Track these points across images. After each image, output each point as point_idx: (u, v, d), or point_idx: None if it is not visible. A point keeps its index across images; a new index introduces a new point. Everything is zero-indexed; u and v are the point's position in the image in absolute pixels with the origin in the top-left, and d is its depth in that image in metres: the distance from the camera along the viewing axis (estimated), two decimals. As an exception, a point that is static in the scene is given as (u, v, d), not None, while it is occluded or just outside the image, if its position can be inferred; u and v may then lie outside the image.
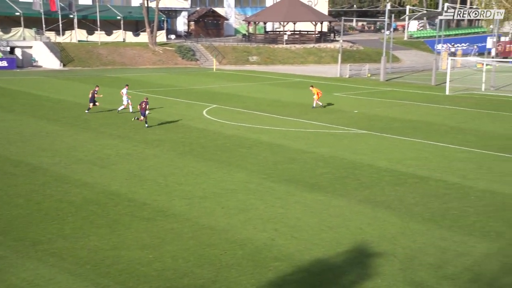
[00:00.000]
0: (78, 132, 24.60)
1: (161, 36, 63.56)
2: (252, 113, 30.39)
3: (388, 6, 53.65)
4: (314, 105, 31.70)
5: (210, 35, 70.36)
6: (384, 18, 52.30)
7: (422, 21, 79.58)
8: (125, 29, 62.52)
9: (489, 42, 52.10)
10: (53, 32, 57.88)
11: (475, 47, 61.09)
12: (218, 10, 74.41)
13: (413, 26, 77.87)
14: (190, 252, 12.34)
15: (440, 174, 18.16)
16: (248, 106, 32.59)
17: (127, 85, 30.47)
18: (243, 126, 26.58)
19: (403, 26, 78.75)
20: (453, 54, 58.23)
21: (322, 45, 65.07)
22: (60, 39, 57.99)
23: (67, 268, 11.49)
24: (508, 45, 52.78)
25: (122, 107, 29.25)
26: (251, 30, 70.46)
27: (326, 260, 12.04)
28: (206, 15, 72.93)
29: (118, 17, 62.23)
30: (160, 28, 64.12)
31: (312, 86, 32.56)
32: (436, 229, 13.54)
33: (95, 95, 29.07)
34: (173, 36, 68.55)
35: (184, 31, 72.12)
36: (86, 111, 29.07)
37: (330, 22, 72.44)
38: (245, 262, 11.90)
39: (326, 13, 77.15)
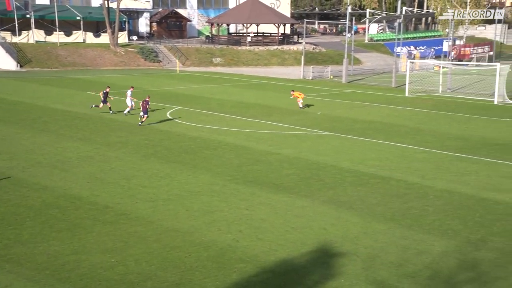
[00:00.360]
0: (37, 134, 23.98)
1: (123, 37, 62.67)
2: (216, 114, 30.34)
3: (349, 9, 54.47)
4: (301, 106, 32.30)
5: (173, 37, 69.85)
6: (346, 21, 53.13)
7: (382, 24, 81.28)
8: (85, 30, 61.33)
9: (445, 45, 53.67)
10: (9, 32, 56.25)
11: (432, 50, 62.77)
12: (181, 11, 73.97)
13: (373, 29, 79.42)
14: (154, 255, 12.23)
15: (401, 174, 18.58)
16: (212, 108, 32.52)
17: (132, 87, 30.42)
18: (207, 127, 26.50)
19: (364, 29, 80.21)
20: (413, 56, 59.67)
21: (285, 47, 65.56)
22: (16, 39, 56.39)
23: (25, 274, 11.19)
24: (462, 48, 54.43)
25: (128, 109, 29.09)
26: (214, 32, 70.34)
27: (290, 260, 12.14)
28: (168, 17, 72.37)
29: (78, 18, 61.00)
30: (121, 29, 63.21)
31: (293, 91, 33.22)
32: (397, 228, 13.85)
33: (107, 96, 29.05)
34: (135, 37, 67.71)
35: (147, 32, 71.34)
36: (93, 106, 29.11)
37: (292, 24, 73.06)
38: (209, 264, 11.88)
39: (288, 15, 77.80)
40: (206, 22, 75.15)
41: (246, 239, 13.24)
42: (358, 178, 18.12)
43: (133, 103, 29.05)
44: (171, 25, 72.64)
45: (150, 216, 14.58)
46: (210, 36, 70.11)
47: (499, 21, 63.71)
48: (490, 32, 70.98)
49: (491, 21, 73.94)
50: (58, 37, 58.40)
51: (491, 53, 56.19)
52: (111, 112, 29.15)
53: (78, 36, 60.77)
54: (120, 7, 60.62)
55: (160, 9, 73.59)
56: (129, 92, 29.30)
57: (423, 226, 13.97)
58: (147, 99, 26.35)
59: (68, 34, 60.15)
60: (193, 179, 17.94)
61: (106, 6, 59.19)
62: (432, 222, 14.23)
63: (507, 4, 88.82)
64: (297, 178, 18.24)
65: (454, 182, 17.61)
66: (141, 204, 15.48)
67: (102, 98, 29.12)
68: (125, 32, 63.79)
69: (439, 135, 24.95)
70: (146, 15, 72.43)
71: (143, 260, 11.95)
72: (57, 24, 58.12)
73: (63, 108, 29.33)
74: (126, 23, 66.51)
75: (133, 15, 71.29)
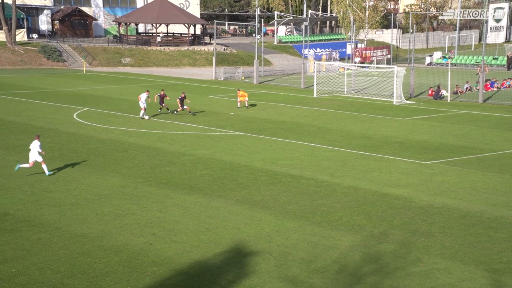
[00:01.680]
0: None
1: (21, 35, 59.19)
2: (127, 116, 29.58)
3: (258, 11, 55.39)
4: (247, 105, 33.04)
5: (78, 36, 67.07)
6: (255, 23, 53.96)
7: (290, 26, 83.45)
8: (-23, 26, 57.22)
9: (349, 48, 56.22)
10: None
11: (337, 52, 65.52)
12: (85, 9, 71.22)
13: (281, 31, 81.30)
14: (61, 262, 11.73)
15: (311, 172, 19.23)
16: (123, 109, 31.65)
17: (147, 90, 29.92)
18: (117, 129, 25.77)
19: (273, 31, 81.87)
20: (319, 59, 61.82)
21: (196, 47, 65.31)
22: None
23: None
24: (364, 51, 57.31)
25: (142, 111, 28.48)
26: (122, 31, 68.42)
27: (204, 261, 12.16)
28: (72, 15, 69.40)
29: (-31, 13, 56.75)
30: (19, 26, 59.67)
31: (239, 90, 33.71)
32: (308, 225, 14.33)
33: (164, 97, 30.04)
34: (35, 36, 64.18)
35: (48, 31, 67.81)
36: (175, 112, 30.13)
37: (203, 25, 72.93)
38: (121, 269, 11.60)
39: (198, 16, 77.53)
40: (113, 21, 72.95)
41: (160, 241, 13.07)
42: (270, 178, 18.50)
43: (145, 105, 28.63)
44: (75, 23, 69.73)
45: (56, 222, 13.94)
46: (118, 35, 68.14)
47: (395, 26, 67.85)
48: (387, 36, 75.35)
49: (387, 26, 78.61)
50: None
51: (389, 56, 59.70)
52: (175, 112, 30.12)
53: (-32, 32, 56.64)
54: (17, 2, 57.15)
55: (62, 7, 70.35)
56: (143, 95, 28.62)
57: (331, 222, 14.56)
58: (182, 96, 29.71)
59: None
60: (103, 182, 17.38)
61: (1, 1, 55.50)
62: (339, 218, 14.87)
63: (400, 10, 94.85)
64: (210, 178, 18.27)
65: (359, 179, 18.52)
66: (46, 209, 14.75)
67: (157, 101, 30.10)
68: (24, 30, 60.27)
69: (345, 134, 26.10)
70: (47, 12, 68.91)
71: (48, 268, 11.42)
72: None
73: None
74: (25, 20, 62.85)
75: (32, 12, 67.57)
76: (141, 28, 73.82)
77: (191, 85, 45.24)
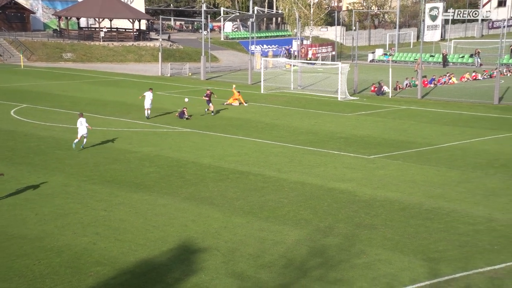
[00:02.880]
0: None
1: None
2: (69, 113, 28.67)
3: (204, 7, 55.05)
4: (245, 104, 33.32)
5: (14, 29, 64.25)
6: (201, 18, 53.59)
7: (236, 22, 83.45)
8: None
9: (294, 45, 56.79)
10: None
11: (283, 49, 66.05)
12: (22, 1, 68.33)
13: (228, 27, 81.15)
14: (-2, 266, 11.25)
15: (259, 168, 19.33)
16: (65, 106, 30.67)
17: (151, 88, 28.35)
18: (59, 126, 24.94)
19: (219, 27, 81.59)
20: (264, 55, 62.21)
21: (142, 43, 64.12)
22: None
23: None
24: (309, 48, 58.12)
25: (147, 111, 27.37)
26: (63, 26, 66.16)
27: (151, 260, 11.99)
28: (6, 7, 66.42)
29: None
30: None
31: (234, 87, 34.37)
32: (255, 221, 14.40)
33: (211, 95, 29.34)
34: (-35, 29, 61.13)
35: (-20, 24, 64.71)
36: (212, 113, 29.23)
37: (148, 20, 71.67)
38: (62, 270, 11.27)
39: (143, 10, 76.12)
40: (52, 15, 70.42)
41: (104, 241, 12.78)
42: (218, 174, 18.46)
43: (150, 105, 27.62)
44: (11, 16, 66.80)
45: (-6, 224, 13.35)
46: (59, 30, 65.85)
47: (339, 23, 69.20)
48: (332, 33, 76.76)
49: (331, 23, 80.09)
50: None
51: (334, 52, 60.87)
52: (212, 113, 29.34)
53: None
54: None
55: (-5, -1, 67.31)
56: (148, 94, 27.50)
57: (279, 217, 14.70)
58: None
59: None
60: (44, 181, 16.79)
61: None
62: (287, 213, 15.04)
63: (344, 8, 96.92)
64: (157, 176, 18.02)
65: (306, 174, 18.79)
66: (-17, 211, 14.09)
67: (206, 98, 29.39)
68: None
69: (292, 129, 26.39)
70: (-22, 4, 65.72)
71: (-15, 273, 10.94)
72: None
73: None
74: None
75: (-40, 4, 64.29)
76: (83, 22, 71.64)
77: (136, 81, 44.42)
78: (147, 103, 27.78)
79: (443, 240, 13.34)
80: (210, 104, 29.35)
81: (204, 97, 30.01)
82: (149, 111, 27.98)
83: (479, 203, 15.92)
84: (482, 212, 15.16)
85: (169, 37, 70.62)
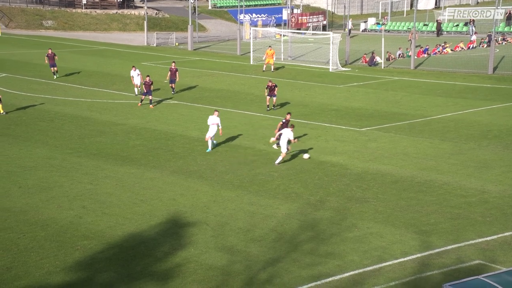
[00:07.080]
0: None
1: None
2: (52, 83, 27.96)
3: (192, -26, 53.71)
4: (272, 69, 33.87)
5: (-10, -6, 62.22)
6: (189, -13, 52.33)
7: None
8: None
9: (284, 14, 55.76)
10: None
11: (273, 18, 64.94)
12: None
13: (216, -5, 79.54)
14: (-19, 241, 10.94)
15: (248, 141, 19.00)
16: (46, 76, 29.88)
17: (133, 66, 26.76)
18: (42, 97, 24.29)
19: (208, -5, 79.93)
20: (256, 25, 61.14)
21: (126, 11, 62.57)
22: None
23: None
24: (300, 17, 57.14)
25: (136, 89, 25.89)
26: (44, -9, 64.20)
27: (139, 234, 11.74)
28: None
29: None
30: None
31: (270, 47, 34.93)
32: (245, 194, 14.15)
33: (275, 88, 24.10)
34: None
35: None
36: (274, 108, 24.16)
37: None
38: (48, 244, 11.00)
39: (129, -23, 74.12)
40: (34, -21, 68.23)
41: (91, 214, 12.48)
42: (207, 147, 18.08)
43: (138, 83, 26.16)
44: (-14, -20, 64.51)
45: (-24, 198, 12.96)
46: (39, -5, 63.91)
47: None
48: (323, 1, 75.60)
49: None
50: None
51: (325, 22, 59.91)
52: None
53: None
54: None
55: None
56: (134, 73, 26.15)
57: (269, 191, 14.46)
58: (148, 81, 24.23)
59: None
60: (27, 154, 16.34)
61: None
62: (277, 186, 14.79)
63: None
64: (145, 149, 17.63)
65: (296, 147, 18.49)
66: (-36, 185, 13.67)
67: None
68: None
69: (283, 102, 25.99)
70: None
71: (-33, 248, 10.62)
72: None
73: None
74: None
75: None
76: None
77: (121, 51, 43.46)
78: (137, 80, 26.60)
79: (435, 212, 13.22)
80: (274, 98, 23.88)
81: (266, 90, 23.82)
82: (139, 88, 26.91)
83: (471, 175, 15.80)
84: (474, 184, 15.05)
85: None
